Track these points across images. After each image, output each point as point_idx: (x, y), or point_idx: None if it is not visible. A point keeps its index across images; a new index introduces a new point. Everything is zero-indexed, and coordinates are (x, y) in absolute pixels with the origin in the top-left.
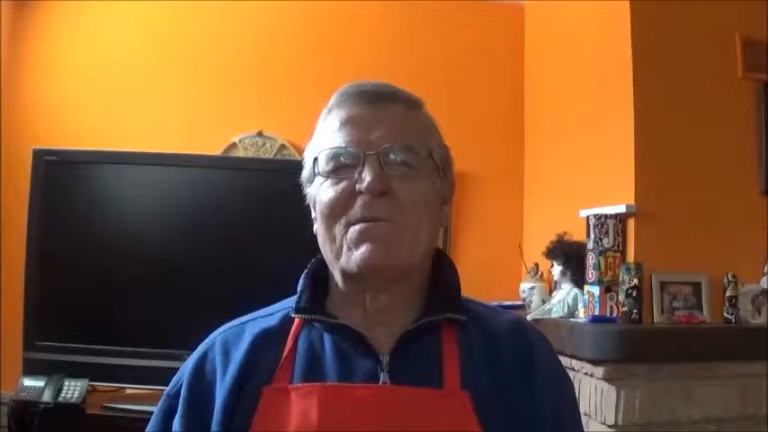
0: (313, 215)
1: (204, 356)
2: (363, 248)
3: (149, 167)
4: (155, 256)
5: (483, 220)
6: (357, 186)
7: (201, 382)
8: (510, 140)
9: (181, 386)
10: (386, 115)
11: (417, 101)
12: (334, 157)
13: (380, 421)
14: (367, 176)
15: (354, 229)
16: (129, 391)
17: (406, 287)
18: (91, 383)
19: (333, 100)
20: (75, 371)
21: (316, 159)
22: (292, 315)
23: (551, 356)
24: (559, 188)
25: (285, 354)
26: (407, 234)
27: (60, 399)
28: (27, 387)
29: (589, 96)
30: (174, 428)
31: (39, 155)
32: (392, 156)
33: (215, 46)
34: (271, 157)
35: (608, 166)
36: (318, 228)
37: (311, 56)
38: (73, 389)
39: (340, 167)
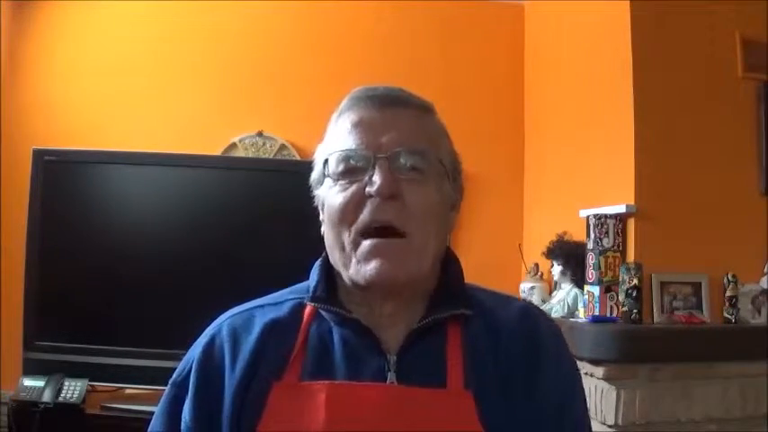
0: (321, 217)
1: (212, 341)
2: (373, 264)
3: (149, 167)
4: (154, 256)
5: (483, 220)
6: (367, 190)
7: (210, 366)
8: (510, 140)
9: (187, 374)
10: (397, 119)
11: (428, 106)
12: (345, 159)
13: (386, 421)
14: (377, 179)
15: (365, 243)
16: (128, 391)
17: (414, 291)
18: (91, 383)
19: (344, 103)
20: (75, 371)
21: (326, 161)
22: (307, 302)
23: (560, 343)
24: (559, 188)
25: (297, 347)
26: (416, 245)
27: (60, 399)
28: (27, 387)
29: (589, 96)
30: (183, 413)
31: (39, 155)
32: (402, 160)
33: (215, 46)
34: (271, 157)
35: (608, 166)
36: (326, 231)
37: (311, 56)
38: (73, 389)
39: (350, 170)
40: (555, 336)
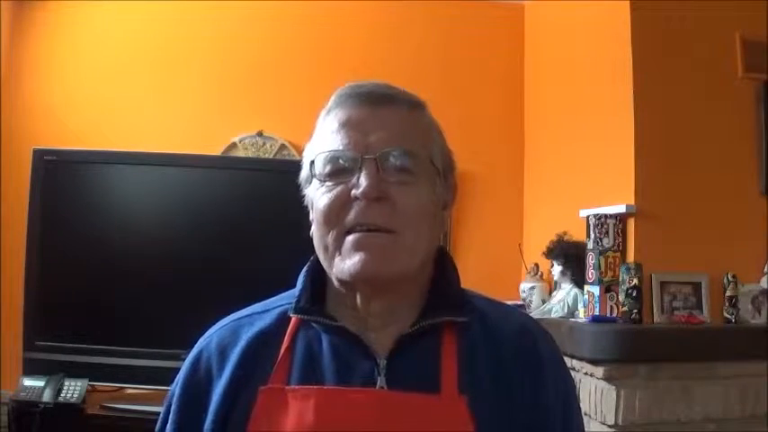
0: (311, 217)
1: (199, 355)
2: (356, 258)
3: (149, 167)
4: (154, 255)
5: (483, 220)
6: (353, 192)
7: (196, 381)
8: (510, 140)
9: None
10: (385, 118)
11: (418, 102)
12: (332, 160)
13: (375, 426)
14: (363, 182)
15: (349, 238)
16: (128, 391)
17: (404, 291)
18: (91, 383)
19: (331, 101)
20: (75, 371)
21: (313, 162)
22: (291, 315)
23: (559, 360)
24: (559, 188)
25: (282, 354)
26: (403, 244)
27: (60, 399)
28: (27, 387)
29: (589, 96)
30: (167, 427)
31: (39, 155)
32: (391, 160)
33: (215, 46)
34: (271, 157)
35: (608, 166)
36: (314, 232)
37: (311, 56)
38: (73, 389)
39: (337, 171)
40: (554, 352)
